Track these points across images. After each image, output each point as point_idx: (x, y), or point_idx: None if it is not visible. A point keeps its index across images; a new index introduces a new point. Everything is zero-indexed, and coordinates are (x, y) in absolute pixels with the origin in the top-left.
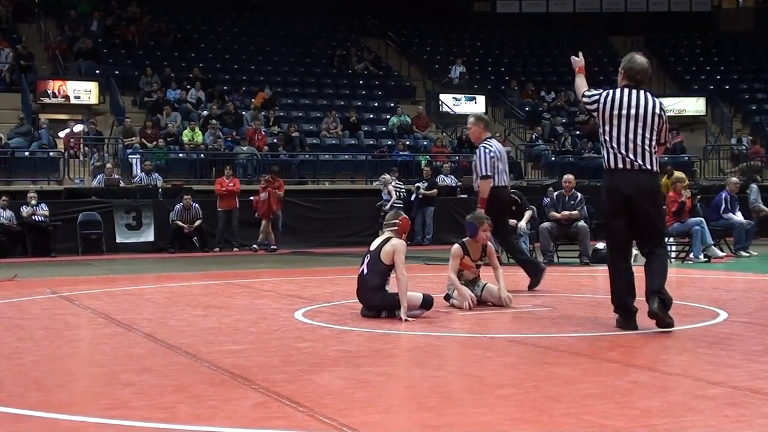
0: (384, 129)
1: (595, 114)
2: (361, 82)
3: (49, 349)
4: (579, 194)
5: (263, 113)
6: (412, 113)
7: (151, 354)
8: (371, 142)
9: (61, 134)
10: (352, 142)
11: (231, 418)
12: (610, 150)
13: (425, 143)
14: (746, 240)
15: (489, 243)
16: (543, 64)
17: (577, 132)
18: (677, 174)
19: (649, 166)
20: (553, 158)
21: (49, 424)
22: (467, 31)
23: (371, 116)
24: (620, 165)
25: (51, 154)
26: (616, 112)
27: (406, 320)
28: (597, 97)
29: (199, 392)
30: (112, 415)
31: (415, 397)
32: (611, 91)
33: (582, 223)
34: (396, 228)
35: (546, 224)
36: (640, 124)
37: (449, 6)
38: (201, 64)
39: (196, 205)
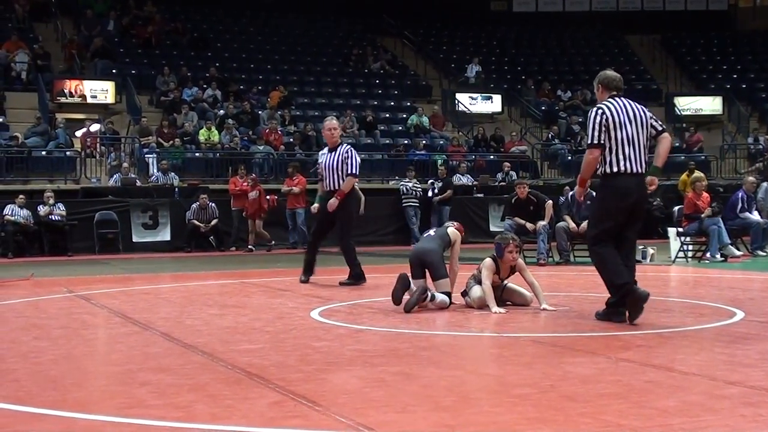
0: (400, 128)
1: (605, 128)
2: (377, 81)
3: (65, 348)
4: (594, 194)
5: (279, 112)
6: (428, 112)
7: (167, 353)
8: (387, 142)
9: (78, 134)
10: (369, 141)
11: (247, 417)
12: (618, 154)
13: (441, 142)
14: (763, 239)
15: (519, 260)
16: (559, 62)
17: None
18: (697, 174)
19: (644, 169)
20: (569, 157)
21: (67, 423)
22: (483, 29)
23: (387, 115)
24: (628, 169)
25: (68, 153)
26: (623, 118)
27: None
28: (600, 111)
29: (215, 391)
30: (129, 414)
31: (432, 396)
32: (606, 104)
33: None
34: (454, 227)
35: (562, 223)
36: (640, 129)
37: (465, 5)
38: (217, 64)
39: (213, 204)
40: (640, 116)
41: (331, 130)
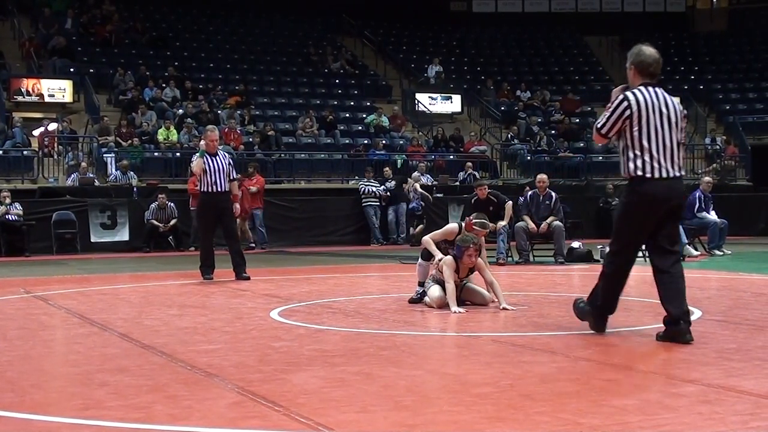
0: (360, 128)
1: (627, 121)
2: (337, 81)
3: (23, 349)
4: (554, 194)
5: (239, 112)
6: (388, 112)
7: (126, 354)
8: (347, 142)
9: (35, 133)
10: (328, 141)
11: (207, 417)
12: (647, 156)
13: (401, 142)
14: (720, 239)
15: (479, 259)
16: (519, 63)
17: (553, 131)
18: None
19: (680, 173)
20: (528, 157)
21: (24, 425)
22: (443, 30)
23: (347, 115)
24: (656, 174)
25: (25, 152)
26: (651, 114)
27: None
28: (626, 103)
29: (174, 392)
30: (87, 416)
31: (391, 396)
32: (636, 93)
33: (557, 222)
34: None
35: (522, 223)
36: (673, 126)
37: (425, 5)
38: (176, 63)
39: (172, 204)
40: (673, 109)
41: (214, 141)
